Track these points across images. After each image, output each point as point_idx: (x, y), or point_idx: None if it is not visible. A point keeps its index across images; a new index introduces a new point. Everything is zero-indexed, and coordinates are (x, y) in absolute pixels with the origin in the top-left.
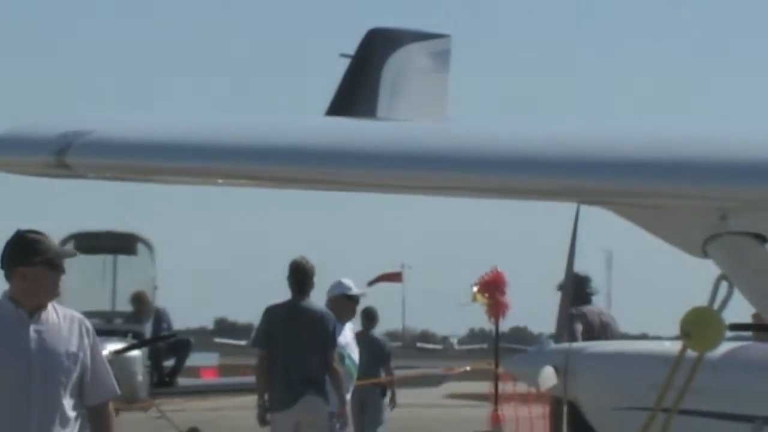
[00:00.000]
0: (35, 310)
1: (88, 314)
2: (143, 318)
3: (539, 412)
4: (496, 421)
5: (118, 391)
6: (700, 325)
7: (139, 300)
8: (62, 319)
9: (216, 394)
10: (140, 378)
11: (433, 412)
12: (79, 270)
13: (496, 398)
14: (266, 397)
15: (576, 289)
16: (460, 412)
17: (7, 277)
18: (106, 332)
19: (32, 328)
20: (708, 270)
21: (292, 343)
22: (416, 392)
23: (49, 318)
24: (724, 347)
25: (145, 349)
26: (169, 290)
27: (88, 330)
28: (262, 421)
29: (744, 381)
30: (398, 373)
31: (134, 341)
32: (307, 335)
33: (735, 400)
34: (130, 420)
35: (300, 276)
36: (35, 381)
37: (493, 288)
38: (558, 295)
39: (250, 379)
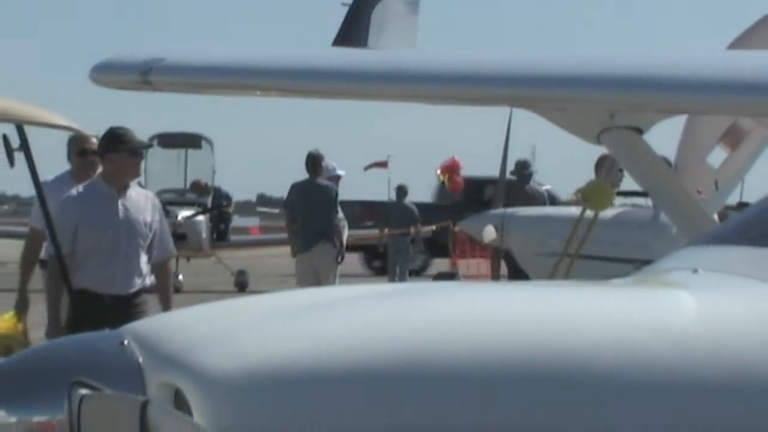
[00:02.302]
0: (122, 188)
1: (167, 191)
2: (204, 195)
3: (483, 262)
4: (454, 265)
5: (174, 252)
6: (594, 192)
7: (196, 185)
8: (140, 196)
9: (258, 246)
10: (204, 235)
11: None
12: (161, 160)
13: (454, 248)
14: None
15: (518, 170)
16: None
17: (102, 161)
18: (179, 203)
19: (120, 201)
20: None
21: (308, 208)
22: None
23: (131, 195)
24: (613, 210)
25: (207, 215)
26: (225, 173)
27: (156, 205)
28: (294, 254)
29: (627, 234)
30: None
31: (199, 209)
32: (318, 202)
33: (621, 247)
34: (197, 264)
35: (313, 161)
36: (122, 241)
37: (450, 170)
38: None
39: (283, 235)
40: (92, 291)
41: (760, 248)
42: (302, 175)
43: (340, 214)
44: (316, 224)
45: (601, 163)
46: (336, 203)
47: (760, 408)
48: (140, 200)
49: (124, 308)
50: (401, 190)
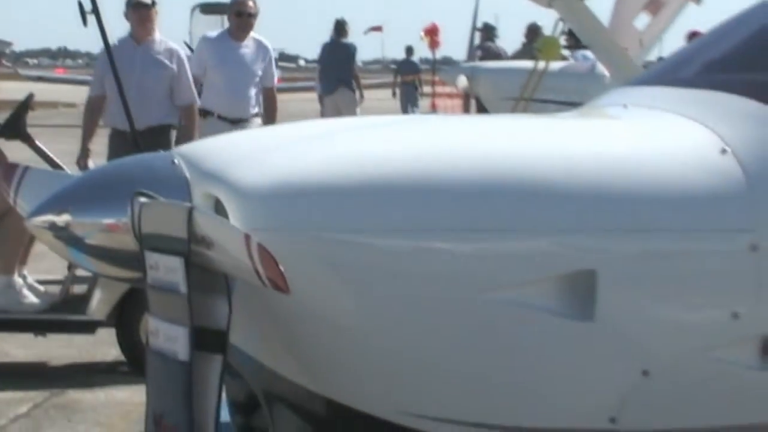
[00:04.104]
0: (141, 41)
1: None
2: None
3: (458, 102)
4: (434, 107)
5: (193, 101)
6: (546, 45)
7: None
8: (162, 46)
9: (280, 92)
10: None
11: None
12: (203, 24)
13: (434, 94)
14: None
15: (485, 34)
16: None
17: (126, 17)
18: None
19: (140, 52)
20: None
21: (332, 59)
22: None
23: (154, 46)
24: (561, 63)
25: None
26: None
27: (180, 57)
28: (321, 101)
29: (571, 82)
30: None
31: None
32: (340, 55)
33: (565, 93)
34: None
35: (339, 26)
36: (134, 87)
37: (431, 33)
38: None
39: (302, 83)
40: (118, 128)
41: (673, 88)
42: (311, 36)
43: None
44: (337, 72)
45: (532, 30)
46: (354, 56)
47: (665, 202)
48: (162, 50)
49: (148, 141)
50: (409, 50)
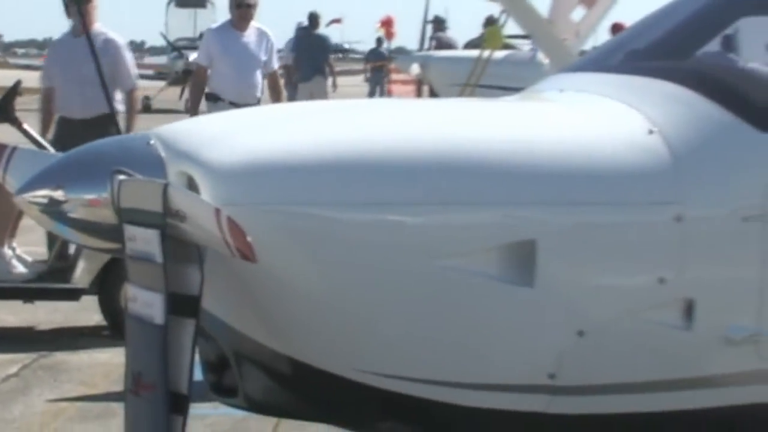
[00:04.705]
0: (81, 33)
1: (181, 39)
2: None
3: (411, 88)
4: (389, 93)
5: (133, 86)
6: (490, 36)
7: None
8: (101, 37)
9: None
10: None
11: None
12: (177, 16)
13: (384, 81)
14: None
15: (436, 25)
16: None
17: (66, 12)
18: (191, 48)
19: (81, 44)
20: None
21: (308, 49)
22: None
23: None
24: (505, 52)
25: None
26: None
27: (118, 46)
28: (295, 88)
29: (513, 69)
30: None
31: None
32: (316, 45)
33: (508, 79)
34: None
35: (312, 18)
36: (77, 77)
37: (387, 24)
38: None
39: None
40: (65, 116)
41: (605, 74)
42: (281, 29)
43: None
44: (312, 63)
45: (490, 21)
46: (329, 47)
47: (598, 178)
48: (99, 42)
49: (90, 129)
50: (379, 41)
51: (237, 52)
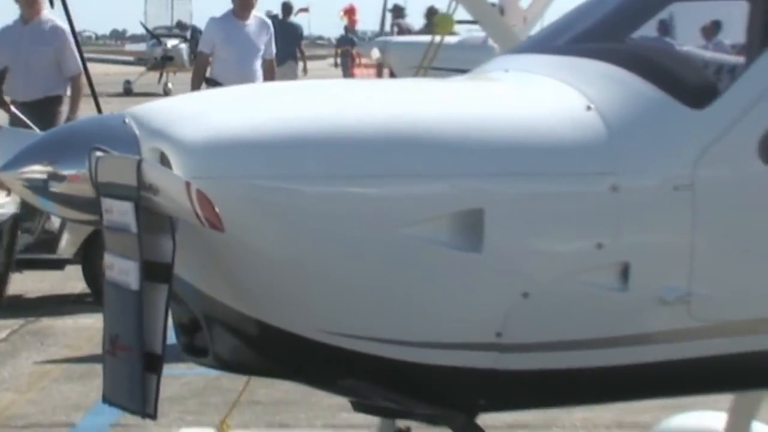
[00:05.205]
0: (29, 20)
1: (159, 27)
2: (185, 30)
3: (372, 71)
4: (353, 75)
5: (77, 71)
6: (441, 21)
7: (180, 23)
8: (48, 24)
9: None
10: (185, 57)
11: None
12: (155, 5)
13: (352, 65)
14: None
15: (395, 13)
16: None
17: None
18: (168, 36)
19: (28, 30)
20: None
21: (282, 37)
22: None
23: (40, 25)
24: (457, 37)
25: (187, 43)
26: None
27: (64, 33)
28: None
29: (464, 53)
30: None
31: (181, 39)
32: (289, 33)
33: (460, 62)
34: (181, 77)
35: (286, 7)
36: (23, 63)
37: (349, 13)
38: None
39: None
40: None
41: (547, 55)
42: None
43: None
44: (285, 49)
45: (431, 12)
46: (300, 32)
47: (540, 151)
48: (46, 29)
49: (36, 112)
50: (347, 29)
51: (239, 41)
